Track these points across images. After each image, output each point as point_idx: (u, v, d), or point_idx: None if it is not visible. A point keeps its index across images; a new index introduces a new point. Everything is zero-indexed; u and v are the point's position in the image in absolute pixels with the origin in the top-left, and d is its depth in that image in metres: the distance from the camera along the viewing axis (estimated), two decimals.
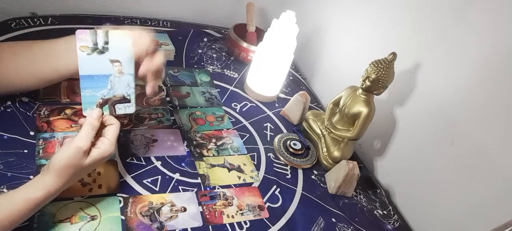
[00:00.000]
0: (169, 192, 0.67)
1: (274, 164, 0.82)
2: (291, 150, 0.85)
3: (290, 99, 0.96)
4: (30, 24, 0.91)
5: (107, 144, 0.57)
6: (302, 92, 0.94)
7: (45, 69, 0.64)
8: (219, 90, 0.97)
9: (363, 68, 0.79)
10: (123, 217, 0.60)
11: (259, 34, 1.12)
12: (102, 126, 0.58)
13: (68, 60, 0.63)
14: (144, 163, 0.71)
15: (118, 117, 0.60)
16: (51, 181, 0.52)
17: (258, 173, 0.78)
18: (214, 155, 0.78)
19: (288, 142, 0.86)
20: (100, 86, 0.59)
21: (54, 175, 0.52)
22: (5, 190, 0.57)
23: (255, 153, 0.83)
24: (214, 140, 0.82)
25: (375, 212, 0.81)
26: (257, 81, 0.97)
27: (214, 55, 1.09)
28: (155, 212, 0.63)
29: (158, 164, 0.72)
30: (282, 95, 1.04)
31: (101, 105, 0.59)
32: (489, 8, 0.70)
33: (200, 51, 1.08)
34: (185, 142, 0.78)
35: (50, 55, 0.64)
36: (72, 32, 0.92)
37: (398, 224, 0.81)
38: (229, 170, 0.76)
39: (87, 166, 0.55)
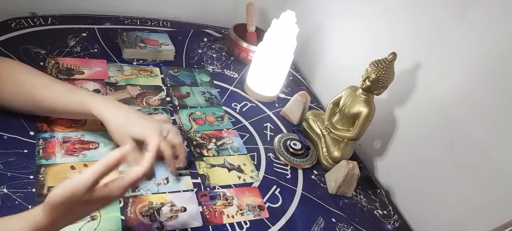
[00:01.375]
0: (169, 192, 0.67)
1: (274, 164, 0.82)
2: (291, 150, 0.85)
3: (290, 99, 0.96)
4: (30, 24, 0.91)
5: (115, 185, 0.49)
6: (302, 92, 0.94)
7: (43, 112, 0.68)
8: (219, 90, 0.97)
9: (363, 68, 0.79)
10: (123, 217, 0.60)
11: (259, 34, 1.12)
12: None
13: (65, 115, 0.68)
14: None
15: None
16: (40, 215, 0.46)
17: (258, 173, 0.78)
18: (214, 155, 0.78)
19: (288, 142, 0.86)
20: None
21: (46, 208, 0.46)
22: (5, 190, 0.57)
23: (255, 153, 0.83)
24: (214, 140, 0.82)
25: (375, 212, 0.81)
26: (257, 81, 0.97)
27: (214, 55, 1.09)
28: (155, 212, 0.63)
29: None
30: (282, 95, 1.04)
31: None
32: (489, 8, 0.69)
33: (200, 51, 1.08)
34: (185, 142, 0.78)
35: (49, 107, 0.65)
36: (72, 32, 0.93)
37: (398, 224, 0.81)
38: (229, 170, 0.76)
39: (85, 205, 0.48)
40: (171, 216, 0.64)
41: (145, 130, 0.64)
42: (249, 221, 0.68)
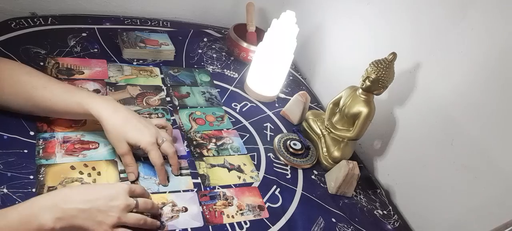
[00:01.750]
0: (170, 192, 0.67)
1: (274, 164, 0.82)
2: (291, 150, 0.85)
3: (290, 99, 0.96)
4: (30, 24, 0.91)
5: None
6: (302, 92, 0.94)
7: (43, 113, 0.68)
8: (219, 90, 0.97)
9: (363, 68, 0.80)
10: None
11: (259, 34, 1.12)
12: None
13: (65, 115, 0.69)
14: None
15: None
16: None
17: (258, 173, 0.78)
18: (214, 155, 0.78)
19: (288, 142, 0.86)
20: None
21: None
22: (5, 190, 0.57)
23: (255, 153, 0.83)
24: (214, 140, 0.82)
25: (375, 212, 0.81)
26: (257, 81, 0.97)
27: (214, 55, 1.09)
28: None
29: None
30: (282, 95, 1.04)
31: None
32: (489, 8, 0.70)
33: (200, 51, 1.08)
34: (185, 142, 0.78)
35: (48, 107, 0.65)
36: (72, 32, 0.93)
37: (398, 224, 0.81)
38: (229, 170, 0.76)
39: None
40: (172, 216, 0.64)
41: (141, 136, 0.65)
42: (249, 221, 0.68)
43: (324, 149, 0.87)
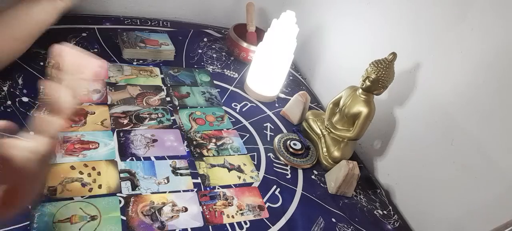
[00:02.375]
0: (170, 192, 0.67)
1: (274, 164, 0.82)
2: (291, 150, 0.85)
3: (290, 99, 0.96)
4: None
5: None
6: (302, 92, 0.94)
7: (26, 31, 0.67)
8: (219, 90, 0.97)
9: (363, 68, 0.80)
10: (123, 217, 0.60)
11: (259, 34, 1.12)
12: None
13: (42, 19, 0.67)
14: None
15: None
16: None
17: (258, 173, 0.78)
18: (214, 155, 0.78)
19: (288, 142, 0.86)
20: None
21: None
22: None
23: (255, 153, 0.83)
24: (214, 140, 0.82)
25: (375, 212, 0.82)
26: (257, 81, 0.97)
27: (214, 55, 1.09)
28: (157, 212, 0.63)
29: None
30: (282, 95, 1.04)
31: None
32: (489, 8, 0.70)
33: (200, 51, 1.08)
34: (185, 142, 0.78)
35: (27, 19, 0.65)
36: (72, 32, 0.93)
37: (398, 224, 0.81)
38: (229, 170, 0.76)
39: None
40: (172, 216, 0.64)
41: None
42: (249, 221, 0.68)
43: (324, 149, 0.87)
